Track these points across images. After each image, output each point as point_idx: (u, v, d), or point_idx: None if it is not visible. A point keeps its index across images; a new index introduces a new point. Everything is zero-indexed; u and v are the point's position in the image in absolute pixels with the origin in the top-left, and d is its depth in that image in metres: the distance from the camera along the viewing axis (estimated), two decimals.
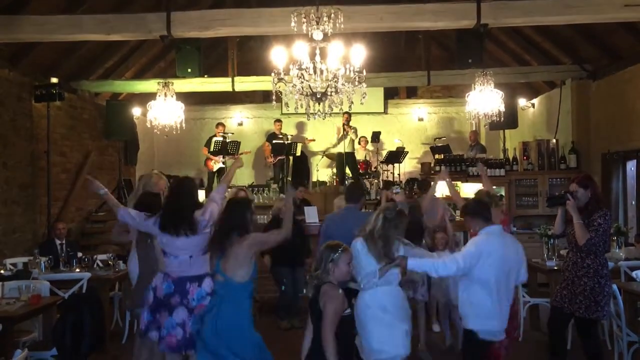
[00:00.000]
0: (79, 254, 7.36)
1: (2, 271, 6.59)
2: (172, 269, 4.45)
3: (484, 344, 4.22)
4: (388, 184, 10.22)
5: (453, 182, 10.24)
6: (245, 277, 3.90)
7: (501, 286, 4.18)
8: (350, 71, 5.84)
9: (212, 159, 12.22)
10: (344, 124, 12.22)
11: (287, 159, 12.25)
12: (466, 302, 4.24)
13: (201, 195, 10.07)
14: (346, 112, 11.52)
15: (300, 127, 14.33)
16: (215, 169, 12.24)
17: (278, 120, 12.88)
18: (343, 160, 12.34)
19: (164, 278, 4.46)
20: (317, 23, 5.87)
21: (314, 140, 13.69)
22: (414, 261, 4.23)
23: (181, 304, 4.35)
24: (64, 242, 7.90)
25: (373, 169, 12.90)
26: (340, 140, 12.33)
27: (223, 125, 12.74)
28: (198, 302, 4.34)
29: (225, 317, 3.84)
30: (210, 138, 12.31)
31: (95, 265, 7.22)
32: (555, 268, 6.55)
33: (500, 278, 4.16)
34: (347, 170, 12.44)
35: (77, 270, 6.83)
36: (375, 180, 12.17)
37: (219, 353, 3.81)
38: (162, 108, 9.89)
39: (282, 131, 12.79)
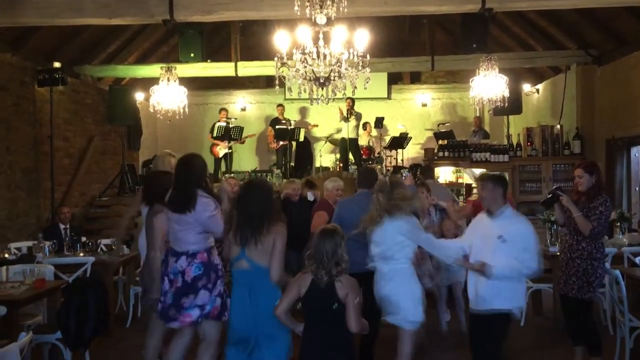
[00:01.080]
0: (83, 239, 7.41)
1: (6, 255, 6.62)
2: (170, 240, 4.55)
3: (508, 320, 4.28)
4: (397, 170, 10.24)
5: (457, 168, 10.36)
6: None
7: None
8: (353, 56, 5.80)
9: (217, 145, 12.21)
10: (347, 109, 12.19)
11: (290, 145, 12.24)
12: (503, 284, 4.16)
13: None
14: (349, 98, 11.48)
15: (304, 112, 14.32)
16: (221, 155, 12.24)
17: (280, 105, 12.87)
18: (346, 146, 12.33)
19: (188, 258, 4.52)
20: (321, 7, 5.82)
21: (316, 126, 13.67)
22: (496, 269, 4.11)
23: (165, 273, 4.45)
24: (68, 226, 7.93)
25: (376, 154, 12.90)
26: (344, 120, 12.26)
27: (226, 110, 12.73)
28: (174, 277, 4.41)
29: (261, 303, 3.82)
30: (215, 124, 12.30)
31: (99, 250, 7.26)
32: (558, 254, 6.55)
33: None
34: (351, 156, 12.44)
35: (81, 254, 6.86)
36: (379, 166, 12.17)
37: (255, 340, 3.82)
38: (165, 93, 9.88)
39: (285, 115, 12.78)
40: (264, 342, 3.83)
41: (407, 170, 11.81)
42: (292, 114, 13.70)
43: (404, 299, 4.40)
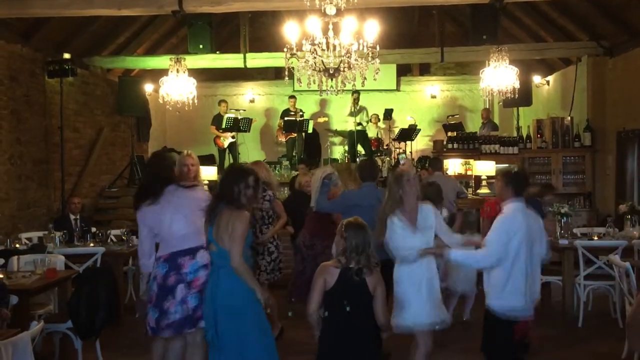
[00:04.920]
0: (93, 229, 7.45)
1: (17, 245, 6.68)
2: (164, 248, 4.42)
3: (504, 322, 4.21)
4: (398, 163, 10.25)
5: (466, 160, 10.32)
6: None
7: (527, 263, 4.18)
8: (363, 47, 5.78)
9: (220, 136, 12.20)
10: (354, 100, 12.20)
11: (299, 136, 12.23)
12: (487, 281, 4.25)
13: (212, 171, 10.10)
14: (355, 90, 11.45)
15: (314, 103, 14.26)
16: (225, 146, 12.24)
17: (292, 97, 12.85)
18: (354, 138, 12.31)
19: (157, 262, 4.42)
20: None
21: (326, 119, 13.64)
22: (456, 253, 4.25)
23: (178, 280, 4.29)
24: (78, 217, 7.98)
25: (385, 146, 12.86)
26: (355, 114, 12.24)
27: (226, 102, 12.69)
28: (194, 275, 4.28)
29: (224, 283, 3.75)
30: (217, 116, 12.27)
31: (109, 240, 7.30)
32: (568, 246, 6.54)
33: (525, 255, 4.16)
34: (360, 148, 12.41)
35: (92, 245, 6.91)
36: (387, 158, 12.14)
37: (218, 321, 3.73)
38: (174, 84, 9.89)
39: (298, 107, 12.77)
40: (223, 316, 3.73)
41: (403, 154, 11.80)
42: (308, 106, 13.63)
43: (409, 297, 4.37)
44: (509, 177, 4.40)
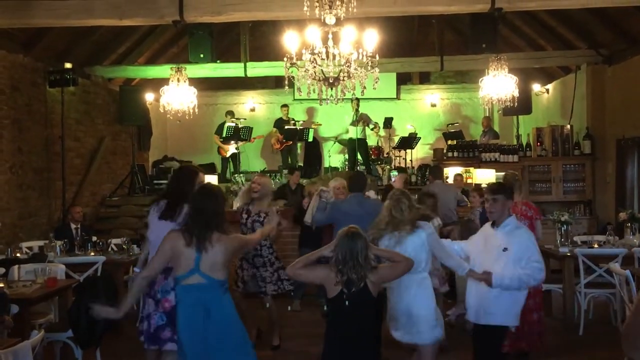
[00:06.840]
0: (94, 238, 7.46)
1: (18, 254, 6.68)
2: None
3: (504, 330, 4.27)
4: (400, 169, 10.25)
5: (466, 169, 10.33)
6: (226, 274, 3.81)
7: None
8: (362, 56, 5.80)
9: (224, 146, 12.27)
10: (354, 110, 12.23)
11: (295, 145, 12.27)
12: (502, 299, 4.12)
13: (214, 179, 10.14)
14: (356, 98, 11.49)
15: (311, 112, 14.31)
16: (228, 155, 12.28)
17: (284, 105, 12.95)
18: (355, 147, 12.32)
19: None
20: (330, 7, 5.82)
21: (320, 124, 13.67)
22: (502, 278, 4.07)
23: (148, 295, 4.34)
24: (79, 226, 7.99)
25: (385, 154, 12.89)
26: (356, 122, 12.28)
27: (233, 113, 12.76)
28: (162, 296, 4.28)
29: (217, 317, 3.65)
30: (221, 125, 12.33)
31: (109, 249, 7.30)
32: (568, 254, 6.54)
33: None
34: (359, 157, 12.43)
35: (92, 254, 6.91)
36: (388, 166, 12.16)
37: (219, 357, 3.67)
38: (174, 93, 9.91)
39: (291, 116, 12.83)
40: (219, 352, 3.64)
41: (396, 171, 11.81)
42: (299, 114, 13.70)
43: (424, 311, 4.27)
44: (508, 190, 4.36)
